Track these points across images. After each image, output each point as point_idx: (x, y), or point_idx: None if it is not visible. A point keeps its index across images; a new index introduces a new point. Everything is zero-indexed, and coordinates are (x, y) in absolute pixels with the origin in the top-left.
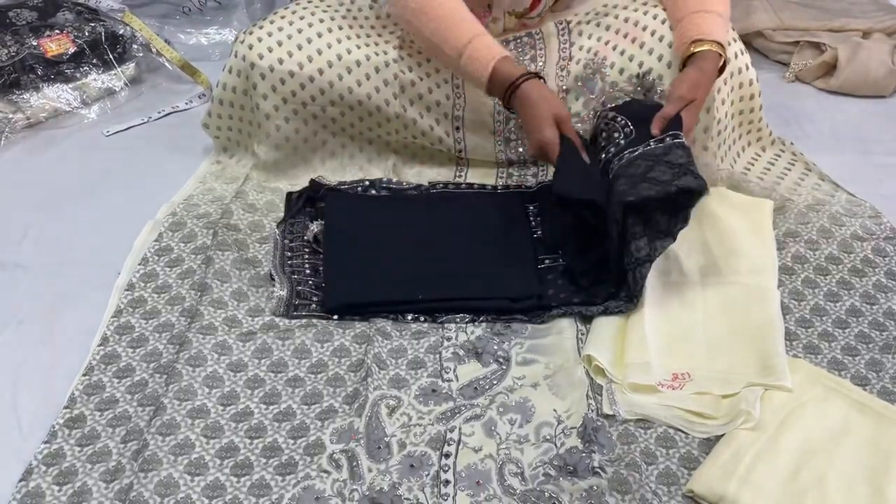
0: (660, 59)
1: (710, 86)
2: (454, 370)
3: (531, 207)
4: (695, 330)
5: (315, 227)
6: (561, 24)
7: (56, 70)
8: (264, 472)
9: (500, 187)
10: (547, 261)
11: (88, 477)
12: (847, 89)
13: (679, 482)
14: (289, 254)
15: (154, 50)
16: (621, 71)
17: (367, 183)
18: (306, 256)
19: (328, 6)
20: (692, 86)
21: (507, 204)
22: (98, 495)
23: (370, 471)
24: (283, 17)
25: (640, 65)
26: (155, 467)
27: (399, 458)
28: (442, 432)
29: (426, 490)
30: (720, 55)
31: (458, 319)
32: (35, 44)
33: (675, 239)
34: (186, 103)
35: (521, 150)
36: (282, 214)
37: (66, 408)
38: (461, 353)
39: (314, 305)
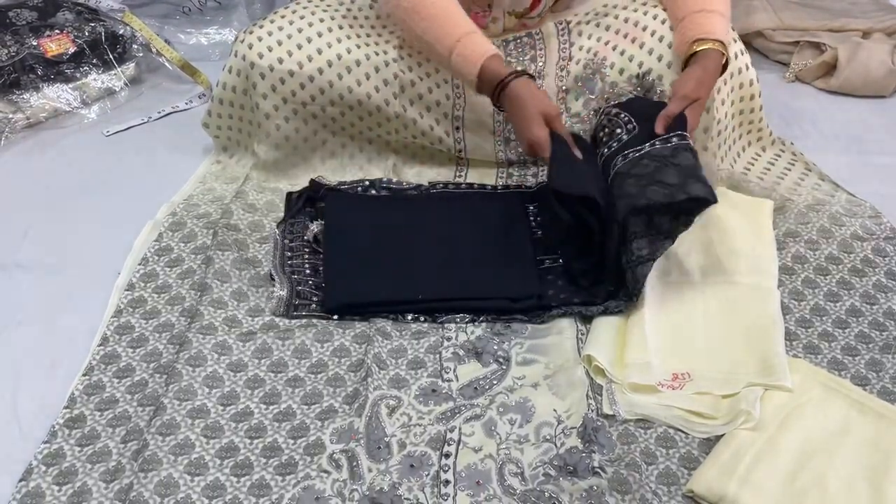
0: (660, 59)
1: (713, 84)
2: (454, 370)
3: (531, 207)
4: (695, 330)
5: (315, 227)
6: (561, 24)
7: (56, 70)
8: (264, 472)
9: (500, 187)
10: (547, 261)
11: (88, 477)
12: (847, 89)
13: (679, 482)
14: (289, 254)
15: (154, 50)
16: (621, 71)
17: (367, 183)
18: (306, 256)
19: (328, 6)
20: (696, 84)
21: (507, 204)
22: (98, 495)
23: (370, 471)
24: (282, 17)
25: (640, 65)
26: (155, 467)
27: (399, 458)
28: (442, 432)
29: (426, 490)
30: (722, 54)
31: (458, 319)
32: (35, 44)
33: (674, 241)
34: (186, 103)
35: (520, 150)
36: (282, 214)
37: (66, 408)
38: (461, 353)
39: (314, 305)
